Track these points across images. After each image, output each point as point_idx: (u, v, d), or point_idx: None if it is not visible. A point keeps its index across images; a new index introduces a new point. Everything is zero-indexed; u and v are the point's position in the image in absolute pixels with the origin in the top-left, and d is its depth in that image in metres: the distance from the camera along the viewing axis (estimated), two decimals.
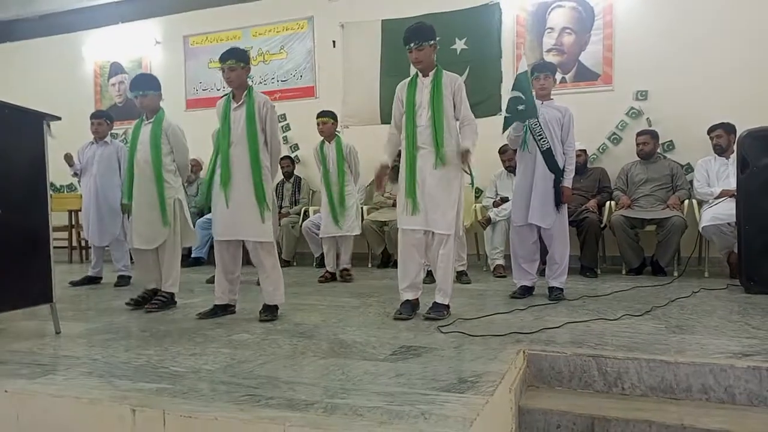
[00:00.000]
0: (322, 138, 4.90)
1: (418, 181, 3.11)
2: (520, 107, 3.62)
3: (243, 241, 3.31)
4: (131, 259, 4.43)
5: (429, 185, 3.09)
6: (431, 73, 3.15)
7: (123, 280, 4.90)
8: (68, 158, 4.90)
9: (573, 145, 3.75)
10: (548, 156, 3.65)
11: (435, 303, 3.17)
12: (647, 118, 5.47)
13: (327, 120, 4.86)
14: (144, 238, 3.67)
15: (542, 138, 3.66)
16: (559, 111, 3.73)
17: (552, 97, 3.82)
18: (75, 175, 5.12)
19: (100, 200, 4.85)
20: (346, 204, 4.80)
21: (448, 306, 3.18)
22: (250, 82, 3.38)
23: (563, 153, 3.70)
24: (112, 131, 5.22)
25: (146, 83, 3.75)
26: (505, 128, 3.77)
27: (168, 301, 3.70)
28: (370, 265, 5.82)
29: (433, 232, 3.13)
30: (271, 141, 3.30)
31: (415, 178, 3.11)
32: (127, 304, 3.71)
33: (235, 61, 3.24)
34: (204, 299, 4.00)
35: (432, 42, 3.15)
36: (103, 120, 4.96)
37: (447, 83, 3.14)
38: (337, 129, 4.97)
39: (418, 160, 3.13)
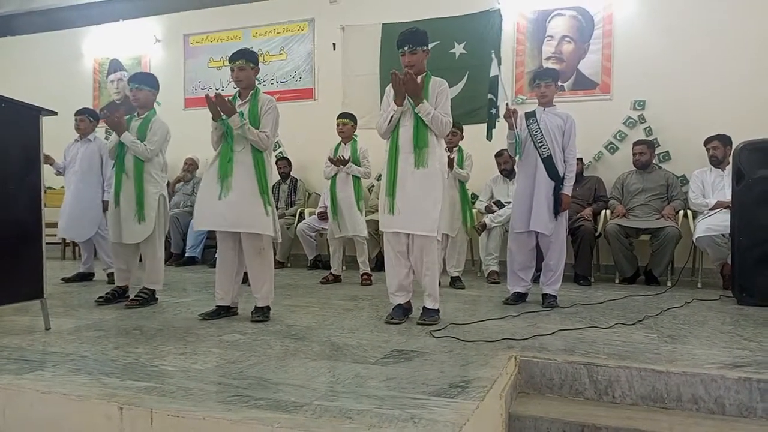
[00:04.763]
0: (339, 140, 4.90)
1: (399, 181, 3.11)
2: (493, 110, 3.67)
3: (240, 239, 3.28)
4: None
5: (410, 186, 3.08)
6: (420, 78, 3.16)
7: (113, 277, 4.89)
8: (47, 158, 4.84)
9: (574, 153, 3.74)
10: (548, 163, 3.65)
11: (426, 308, 3.16)
12: (646, 128, 5.49)
13: (347, 122, 4.85)
14: (123, 233, 3.66)
15: (543, 145, 3.66)
16: (560, 118, 3.72)
17: (555, 104, 3.82)
18: (59, 173, 5.08)
19: (78, 197, 4.82)
20: (360, 207, 4.78)
21: (438, 310, 3.18)
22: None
23: (564, 160, 3.70)
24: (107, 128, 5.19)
25: (143, 78, 3.82)
26: (488, 134, 3.81)
27: (149, 298, 3.70)
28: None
29: (414, 236, 3.12)
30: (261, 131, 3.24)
31: (396, 178, 3.12)
32: (96, 300, 3.72)
33: (245, 61, 3.25)
34: (196, 299, 4.00)
35: (425, 48, 3.17)
36: (85, 117, 4.93)
37: (433, 87, 3.16)
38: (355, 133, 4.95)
39: (400, 162, 3.13)
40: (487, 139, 4.19)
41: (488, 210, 5.27)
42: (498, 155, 5.37)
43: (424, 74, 3.18)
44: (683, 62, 5.39)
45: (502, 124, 3.99)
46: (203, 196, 3.27)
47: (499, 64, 4.18)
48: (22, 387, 1.97)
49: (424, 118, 3.07)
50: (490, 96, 3.84)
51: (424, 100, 3.07)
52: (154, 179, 3.68)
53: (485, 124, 4.24)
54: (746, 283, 3.79)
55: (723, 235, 4.26)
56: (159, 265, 3.73)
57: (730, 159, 4.22)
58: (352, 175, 4.74)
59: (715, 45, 5.30)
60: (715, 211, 4.51)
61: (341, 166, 4.70)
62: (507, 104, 3.78)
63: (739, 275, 3.83)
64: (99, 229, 4.85)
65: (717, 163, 4.77)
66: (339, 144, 4.89)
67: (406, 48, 3.13)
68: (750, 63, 5.19)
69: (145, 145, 3.63)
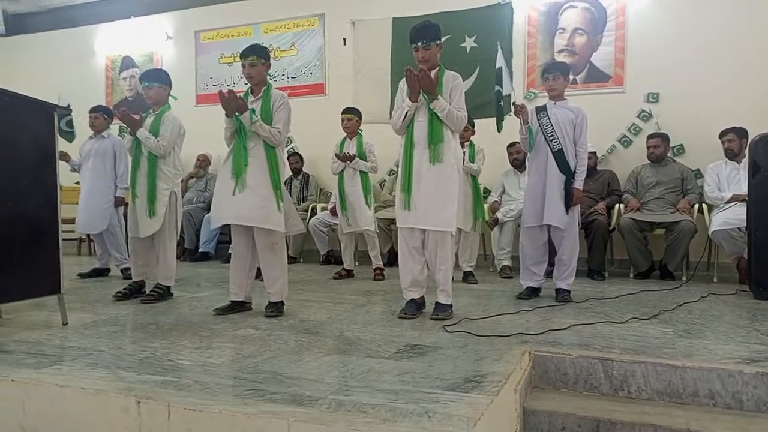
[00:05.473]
0: (344, 135, 4.90)
1: (414, 177, 3.10)
2: (501, 102, 3.68)
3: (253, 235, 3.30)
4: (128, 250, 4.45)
5: (425, 182, 3.07)
6: (434, 72, 3.14)
7: (127, 272, 4.93)
8: (63, 155, 4.92)
9: (585, 146, 3.72)
10: (559, 157, 3.63)
11: (439, 303, 3.16)
12: (656, 122, 5.44)
13: (352, 117, 4.85)
14: (135, 227, 3.73)
15: (554, 139, 3.64)
16: (572, 111, 3.70)
17: (566, 97, 3.79)
18: (74, 170, 5.15)
19: (93, 191, 4.89)
20: (369, 201, 4.78)
21: (451, 305, 3.17)
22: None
23: (575, 154, 3.68)
24: (121, 125, 5.23)
25: (153, 75, 3.83)
26: (498, 125, 3.83)
27: (164, 293, 3.75)
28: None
29: (429, 231, 3.11)
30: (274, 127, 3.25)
31: (411, 174, 3.11)
32: (114, 296, 3.76)
33: (256, 57, 3.25)
34: (211, 294, 4.02)
35: (438, 42, 3.15)
36: (99, 114, 4.99)
37: (447, 82, 3.14)
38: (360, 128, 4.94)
39: (414, 157, 3.12)
40: (497, 131, 4.17)
41: (493, 208, 5.26)
42: (510, 146, 5.34)
43: (438, 68, 3.16)
44: (697, 54, 5.32)
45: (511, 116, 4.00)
46: (218, 193, 3.31)
47: (505, 55, 4.16)
48: (41, 381, 2.00)
49: (439, 114, 3.05)
50: (497, 88, 3.84)
51: (439, 96, 3.05)
52: (166, 176, 3.72)
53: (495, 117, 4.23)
54: (763, 277, 3.75)
55: (739, 229, 4.21)
56: (171, 263, 3.77)
57: (746, 152, 4.17)
58: (360, 170, 4.74)
59: (730, 37, 5.23)
60: (731, 204, 4.46)
61: (347, 162, 4.70)
62: (514, 102, 3.77)
63: (756, 269, 3.79)
64: (110, 224, 4.91)
65: (732, 155, 4.71)
66: (344, 139, 4.90)
67: (419, 43, 3.11)
68: (765, 54, 5.11)
69: (157, 140, 3.66)
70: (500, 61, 3.92)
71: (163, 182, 3.70)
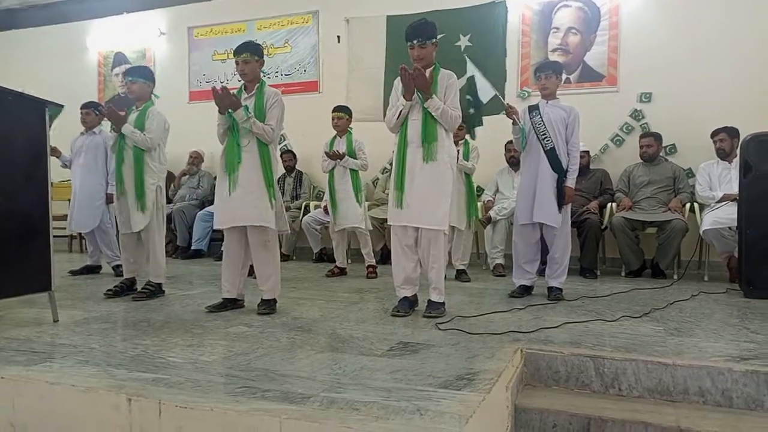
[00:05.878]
0: (334, 133, 4.89)
1: (408, 175, 3.10)
2: (471, 110, 3.72)
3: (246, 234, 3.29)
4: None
5: (419, 180, 3.08)
6: (429, 71, 3.14)
7: (119, 269, 4.91)
8: (54, 151, 4.91)
9: (577, 145, 3.73)
10: (552, 155, 3.64)
11: (431, 301, 3.17)
12: (642, 124, 5.47)
13: (342, 115, 4.84)
14: (124, 222, 3.73)
15: (546, 137, 3.65)
16: (564, 110, 3.71)
17: (558, 96, 3.80)
18: (64, 166, 5.13)
19: (83, 188, 4.88)
20: (360, 199, 4.78)
21: (444, 303, 3.18)
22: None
23: (567, 153, 3.69)
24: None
25: (138, 71, 3.85)
26: (471, 132, 3.93)
27: (156, 291, 3.74)
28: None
29: (422, 229, 3.12)
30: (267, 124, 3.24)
31: (404, 172, 3.11)
32: (105, 293, 3.74)
33: (250, 54, 3.25)
34: (203, 291, 4.01)
35: (434, 40, 3.15)
36: (90, 110, 4.98)
37: (442, 80, 3.14)
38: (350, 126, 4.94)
39: (408, 155, 3.12)
40: (471, 138, 4.28)
41: (486, 206, 5.27)
42: (509, 142, 5.33)
43: (433, 67, 3.16)
44: (690, 54, 5.34)
45: (493, 121, 4.06)
46: (217, 195, 3.32)
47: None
48: (31, 378, 1.99)
49: (433, 113, 3.05)
50: (468, 97, 3.90)
51: (434, 95, 3.05)
52: (152, 170, 3.72)
53: (491, 116, 4.25)
54: (753, 275, 3.77)
55: (730, 228, 4.24)
56: (160, 260, 3.76)
57: (738, 151, 4.20)
58: (350, 168, 4.74)
59: (723, 37, 5.25)
60: (722, 203, 4.49)
61: (338, 160, 4.70)
62: (507, 104, 3.79)
63: (746, 268, 3.81)
64: (101, 222, 4.89)
65: (724, 155, 4.74)
66: (334, 137, 4.89)
67: (415, 41, 3.10)
68: (757, 54, 5.15)
69: (144, 134, 3.65)
70: (471, 70, 3.96)
71: (150, 177, 3.70)
